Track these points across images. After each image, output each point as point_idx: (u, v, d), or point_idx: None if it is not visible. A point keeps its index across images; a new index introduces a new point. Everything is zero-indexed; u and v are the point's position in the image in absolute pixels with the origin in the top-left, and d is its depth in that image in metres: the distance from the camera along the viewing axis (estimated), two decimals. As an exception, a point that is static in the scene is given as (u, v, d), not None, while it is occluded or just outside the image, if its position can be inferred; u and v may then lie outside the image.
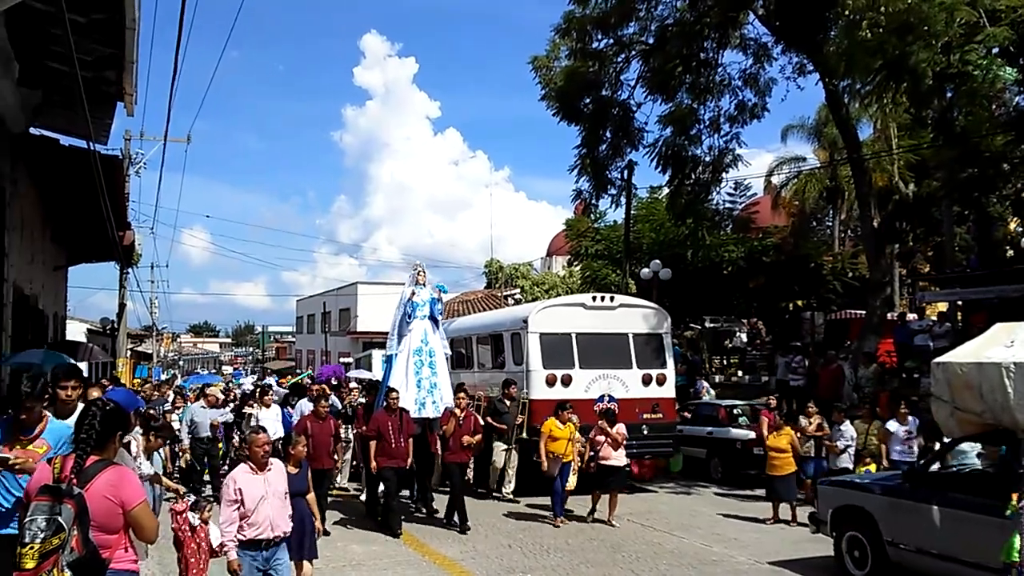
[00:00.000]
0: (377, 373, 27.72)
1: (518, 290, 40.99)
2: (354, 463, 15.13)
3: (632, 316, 15.48)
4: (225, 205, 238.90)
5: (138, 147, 27.02)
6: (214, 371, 63.62)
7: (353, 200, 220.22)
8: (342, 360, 47.42)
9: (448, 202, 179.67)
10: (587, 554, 10.25)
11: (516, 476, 14.18)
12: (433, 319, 13.14)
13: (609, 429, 12.13)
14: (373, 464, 11.45)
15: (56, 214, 15.93)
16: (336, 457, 12.53)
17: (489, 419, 13.96)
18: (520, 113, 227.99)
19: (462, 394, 12.65)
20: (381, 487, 11.98)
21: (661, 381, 15.11)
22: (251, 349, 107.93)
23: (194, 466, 14.60)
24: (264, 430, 6.59)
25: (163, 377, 36.05)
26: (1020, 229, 24.19)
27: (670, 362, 15.56)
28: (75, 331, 28.86)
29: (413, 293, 13.08)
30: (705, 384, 19.67)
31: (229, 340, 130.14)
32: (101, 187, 11.37)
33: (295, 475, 7.22)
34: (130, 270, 27.95)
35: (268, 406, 13.81)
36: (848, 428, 12.81)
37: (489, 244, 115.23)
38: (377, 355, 34.12)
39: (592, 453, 12.14)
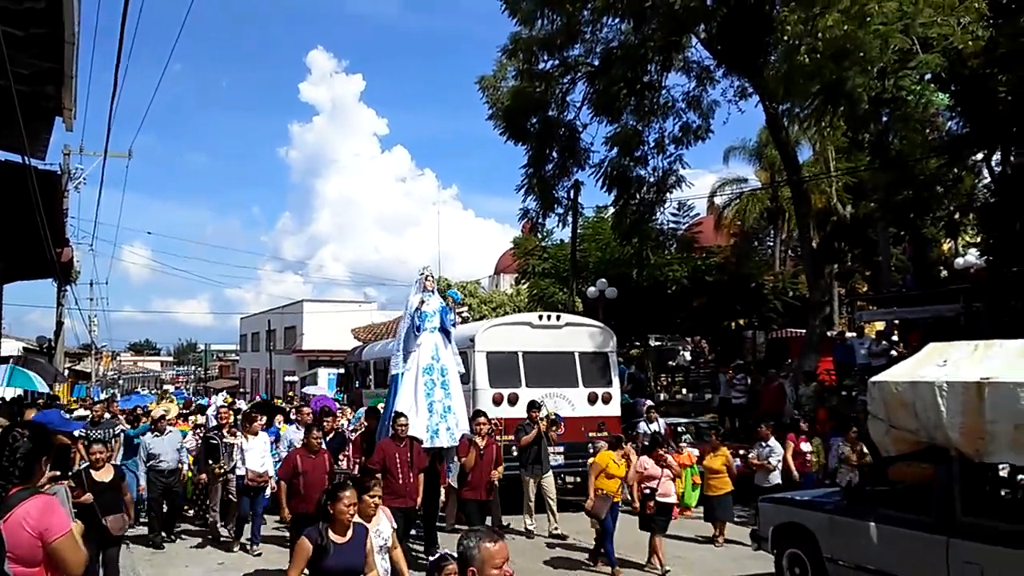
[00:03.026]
0: (323, 390, 27.24)
1: (466, 308, 40.94)
2: None
3: (578, 335, 15.53)
4: (167, 222, 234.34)
5: (78, 162, 26.41)
6: (155, 391, 62.30)
7: (298, 217, 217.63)
8: (287, 379, 46.84)
9: (395, 219, 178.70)
10: None
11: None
12: (444, 331, 11.35)
13: (669, 458, 10.61)
14: None
15: (-10, 230, 15.51)
16: None
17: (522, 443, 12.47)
18: (469, 132, 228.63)
19: (483, 419, 10.84)
20: None
21: (607, 400, 15.16)
22: (193, 368, 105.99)
23: (150, 507, 12.07)
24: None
25: (102, 396, 35.13)
26: (953, 250, 24.89)
27: (616, 381, 15.64)
28: (10, 349, 28.06)
29: (422, 302, 11.25)
30: (646, 402, 19.68)
31: (171, 359, 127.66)
32: (37, 203, 11.12)
33: (347, 543, 5.39)
34: (68, 287, 27.33)
35: (255, 434, 11.76)
36: (776, 445, 12.87)
37: (437, 262, 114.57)
38: (323, 373, 33.93)
39: (648, 490, 10.28)
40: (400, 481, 9.56)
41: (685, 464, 13.89)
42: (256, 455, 11.52)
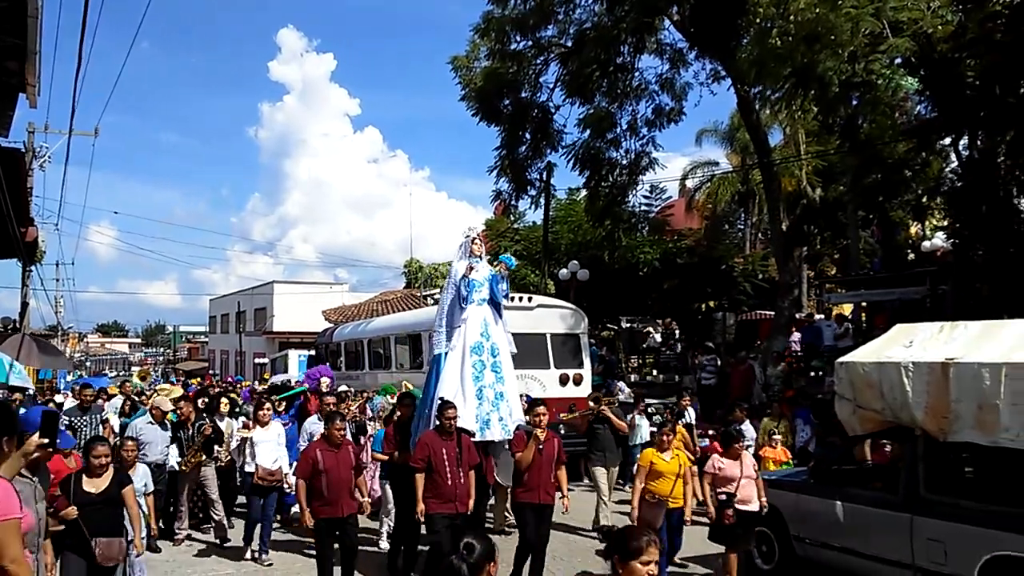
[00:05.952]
0: (293, 374, 26.90)
1: (437, 290, 40.81)
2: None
3: (550, 316, 15.56)
4: (135, 202, 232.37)
5: (43, 140, 26.03)
6: (124, 373, 61.71)
7: (268, 198, 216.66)
8: (257, 361, 46.52)
9: (367, 201, 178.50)
10: (507, 555, 10.25)
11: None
12: (495, 304, 9.64)
13: (746, 456, 9.01)
14: (420, 507, 8.06)
15: (-48, 209, 15.24)
16: (361, 496, 8.60)
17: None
18: (442, 113, 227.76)
19: (542, 408, 8.77)
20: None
21: (578, 381, 15.23)
22: (162, 349, 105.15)
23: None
24: None
25: (69, 379, 34.68)
26: (920, 233, 25.17)
27: (587, 362, 15.71)
28: (-26, 331, 27.66)
29: (470, 268, 9.49)
30: (619, 384, 19.88)
31: (139, 340, 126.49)
32: (0, 182, 10.94)
33: None
34: (33, 267, 26.94)
35: (264, 424, 10.51)
36: (748, 428, 12.95)
37: (408, 243, 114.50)
38: (293, 355, 33.67)
39: (724, 495, 8.62)
40: (449, 482, 8.07)
41: (781, 460, 12.02)
42: (270, 450, 10.25)
